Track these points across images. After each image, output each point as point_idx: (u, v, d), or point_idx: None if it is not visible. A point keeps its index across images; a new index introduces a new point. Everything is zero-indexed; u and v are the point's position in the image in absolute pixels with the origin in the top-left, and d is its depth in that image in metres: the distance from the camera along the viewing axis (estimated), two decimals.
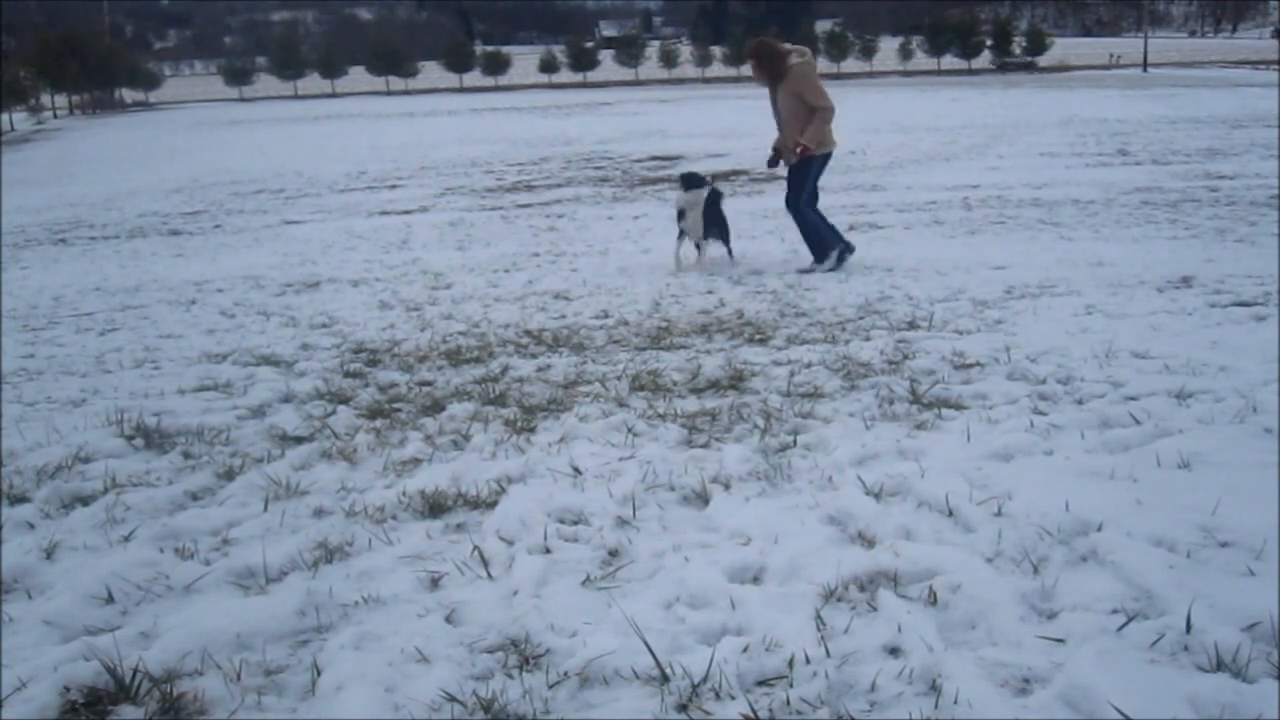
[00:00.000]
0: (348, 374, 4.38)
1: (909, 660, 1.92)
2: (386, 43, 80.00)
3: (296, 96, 72.50)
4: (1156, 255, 6.59)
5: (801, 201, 6.56)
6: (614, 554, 2.45)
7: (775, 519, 2.57)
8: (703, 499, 2.77)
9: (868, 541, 2.44)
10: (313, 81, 77.49)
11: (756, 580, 2.29)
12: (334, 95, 71.89)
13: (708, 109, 32.87)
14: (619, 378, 4.06)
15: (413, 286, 6.83)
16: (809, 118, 6.37)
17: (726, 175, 13.02)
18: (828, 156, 6.62)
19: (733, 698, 1.85)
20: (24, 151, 29.32)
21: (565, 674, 1.94)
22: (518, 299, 6.13)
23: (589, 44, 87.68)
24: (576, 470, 3.01)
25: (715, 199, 6.90)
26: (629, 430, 3.35)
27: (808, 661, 1.94)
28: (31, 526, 2.78)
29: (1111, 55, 73.31)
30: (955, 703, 1.77)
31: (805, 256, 6.75)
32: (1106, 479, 2.70)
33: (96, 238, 10.78)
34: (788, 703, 1.82)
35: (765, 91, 6.64)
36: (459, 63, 77.46)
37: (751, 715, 1.79)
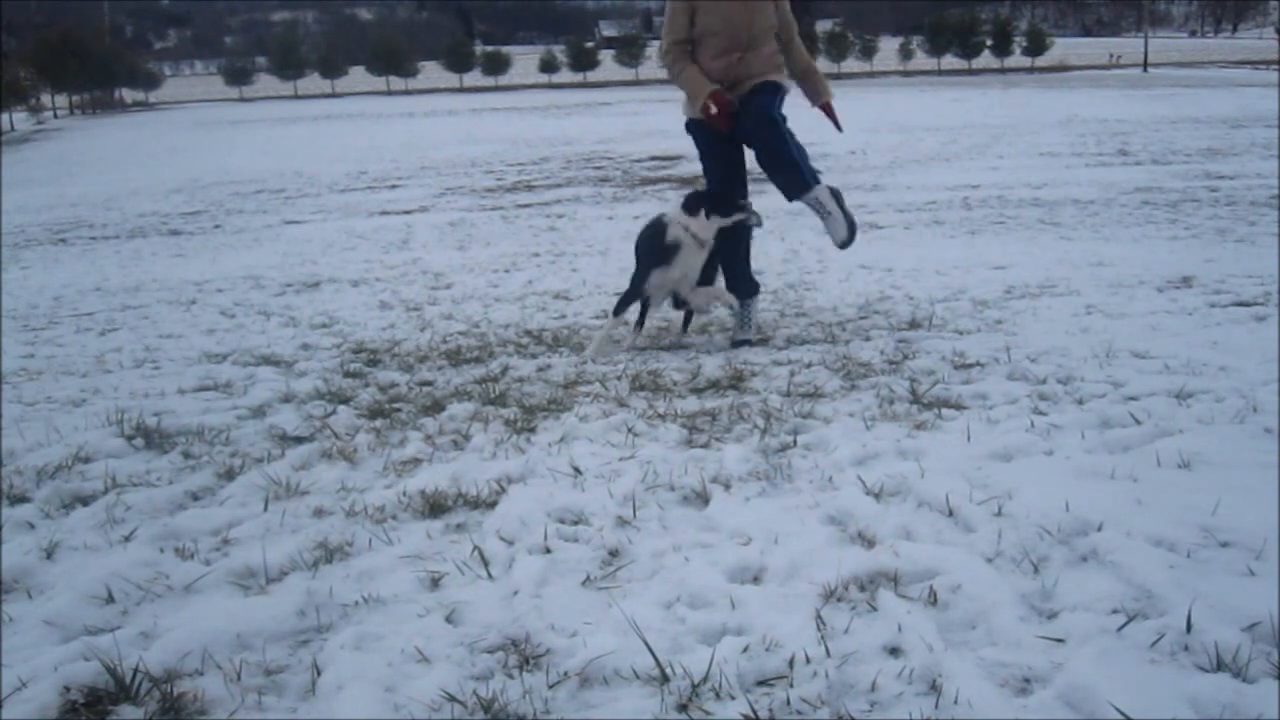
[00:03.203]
0: (348, 374, 4.38)
1: (909, 660, 1.91)
2: (386, 43, 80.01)
3: (296, 96, 72.52)
4: (1156, 255, 6.59)
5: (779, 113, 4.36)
6: (614, 554, 2.45)
7: (775, 519, 2.57)
8: (703, 499, 2.77)
9: (868, 541, 2.43)
10: (313, 81, 77.54)
11: (756, 580, 2.29)
12: (334, 95, 71.92)
13: None
14: (619, 378, 4.06)
15: (413, 286, 6.83)
16: (775, 50, 4.46)
17: None
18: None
19: (733, 698, 1.84)
20: (24, 151, 29.32)
21: (565, 674, 1.94)
22: (518, 299, 6.13)
23: (589, 44, 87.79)
24: (576, 470, 3.00)
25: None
26: (629, 430, 3.35)
27: (808, 661, 1.93)
28: (31, 526, 2.78)
29: (1111, 55, 73.32)
30: (955, 703, 1.77)
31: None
32: (1106, 479, 2.70)
33: (96, 238, 10.78)
34: (788, 703, 1.82)
35: None
36: (459, 63, 77.52)
37: (751, 715, 1.79)
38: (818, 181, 4.33)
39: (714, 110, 4.29)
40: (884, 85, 51.23)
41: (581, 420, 3.49)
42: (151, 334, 5.65)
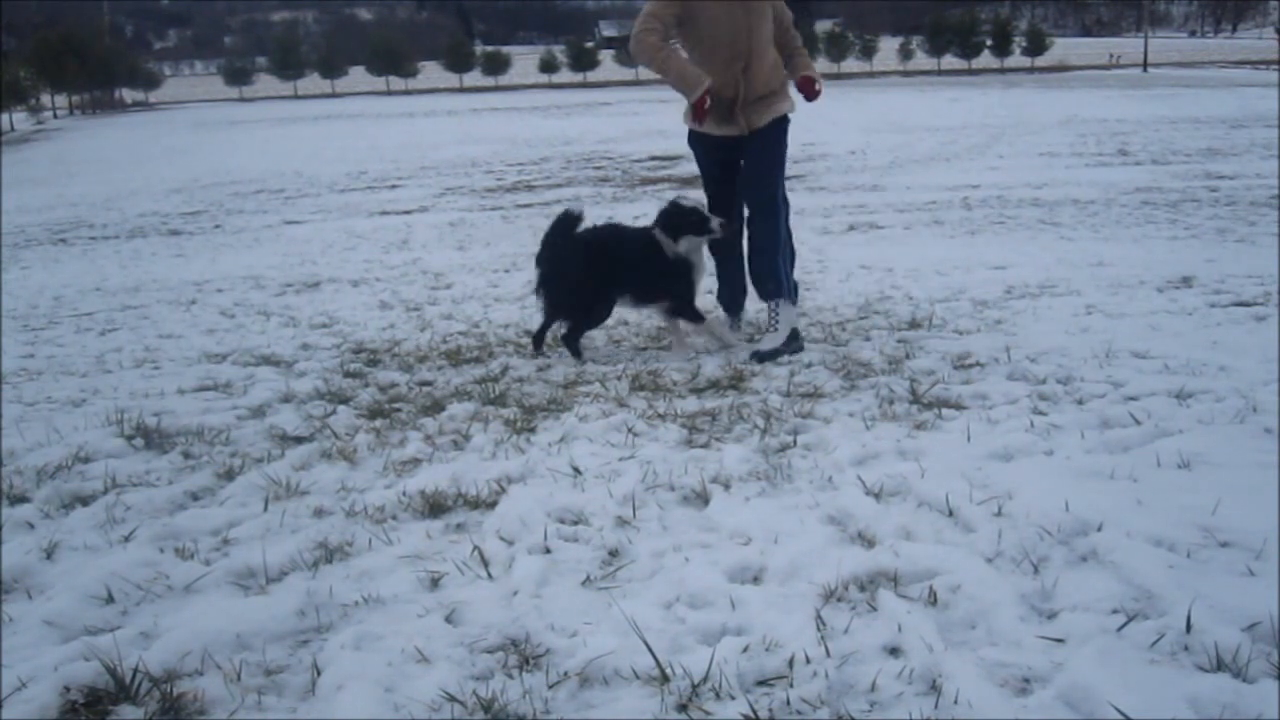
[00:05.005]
0: (348, 374, 4.38)
1: (909, 660, 1.92)
2: (386, 43, 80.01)
3: (296, 96, 72.51)
4: (1156, 255, 6.59)
5: (781, 195, 4.39)
6: (614, 554, 2.45)
7: (775, 519, 2.57)
8: (703, 499, 2.77)
9: (868, 541, 2.43)
10: (312, 81, 77.53)
11: (756, 580, 2.29)
12: (334, 95, 71.91)
13: None
14: (619, 378, 4.06)
15: (413, 286, 6.83)
16: (777, 60, 4.35)
17: None
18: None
19: (733, 698, 1.85)
20: (24, 151, 29.31)
21: (565, 674, 1.94)
22: (518, 299, 6.13)
23: (589, 44, 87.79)
24: (576, 470, 3.01)
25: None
26: (629, 430, 3.35)
27: (808, 661, 1.94)
28: (31, 526, 2.78)
29: (1111, 55, 73.34)
30: (955, 703, 1.77)
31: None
32: (1106, 479, 2.70)
33: (96, 238, 10.78)
34: (788, 703, 1.82)
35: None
36: (459, 63, 77.49)
37: (751, 715, 1.79)
38: (791, 297, 4.43)
39: (706, 106, 4.15)
40: (884, 85, 51.23)
41: (581, 420, 3.49)
42: (151, 334, 5.65)
